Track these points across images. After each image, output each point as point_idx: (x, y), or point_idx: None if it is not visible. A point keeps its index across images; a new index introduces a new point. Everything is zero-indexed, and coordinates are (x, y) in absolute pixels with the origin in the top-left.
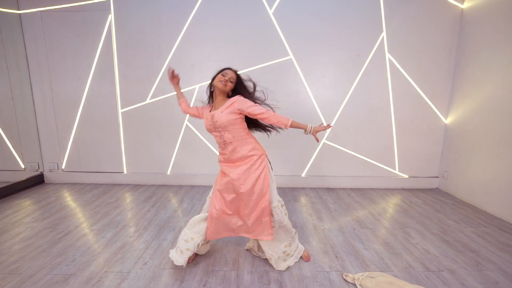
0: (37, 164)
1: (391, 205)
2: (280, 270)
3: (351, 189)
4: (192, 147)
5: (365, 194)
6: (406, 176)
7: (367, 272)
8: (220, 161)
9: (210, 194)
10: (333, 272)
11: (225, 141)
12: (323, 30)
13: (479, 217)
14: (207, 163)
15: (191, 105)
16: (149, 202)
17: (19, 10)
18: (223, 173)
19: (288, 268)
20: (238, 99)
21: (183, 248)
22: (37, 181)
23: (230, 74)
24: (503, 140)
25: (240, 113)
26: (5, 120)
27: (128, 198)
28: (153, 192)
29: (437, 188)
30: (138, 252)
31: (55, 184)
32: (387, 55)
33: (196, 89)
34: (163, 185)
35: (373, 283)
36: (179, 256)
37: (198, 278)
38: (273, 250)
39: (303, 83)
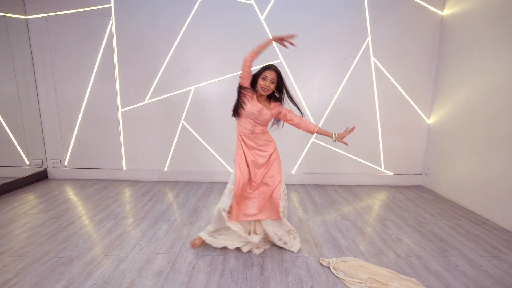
0: (41, 160)
1: (375, 201)
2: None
3: (339, 185)
4: (188, 145)
5: (352, 190)
6: (391, 174)
7: (342, 258)
8: (243, 139)
9: (228, 187)
10: (311, 257)
11: (254, 131)
12: (312, 35)
13: (454, 211)
14: (202, 160)
15: (186, 106)
16: (147, 196)
17: (26, 15)
18: (244, 156)
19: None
20: (283, 109)
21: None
22: (41, 176)
23: (270, 76)
24: (479, 139)
25: (277, 117)
26: (11, 119)
27: (127, 193)
28: (150, 187)
29: (420, 185)
30: (135, 239)
31: (58, 180)
32: (372, 58)
33: (192, 91)
34: (160, 181)
35: (346, 266)
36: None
37: (188, 261)
38: (275, 232)
39: (293, 85)
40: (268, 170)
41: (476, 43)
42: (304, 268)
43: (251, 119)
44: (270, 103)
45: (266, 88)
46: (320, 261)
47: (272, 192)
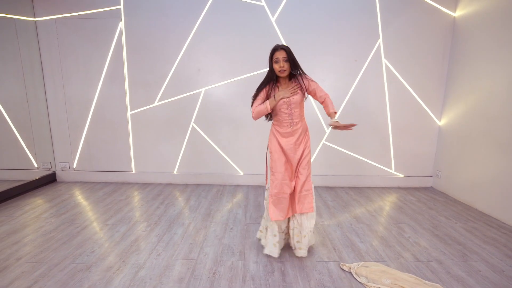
0: (49, 163)
1: (387, 203)
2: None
3: (349, 187)
4: (198, 148)
5: (363, 192)
6: (402, 176)
7: (362, 262)
8: (277, 136)
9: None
10: (331, 262)
11: (292, 118)
12: (323, 37)
13: (468, 213)
14: (212, 163)
15: (196, 108)
16: (158, 200)
17: (35, 17)
18: (280, 149)
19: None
20: (312, 82)
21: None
22: (50, 179)
23: (281, 56)
24: (491, 141)
25: (305, 92)
26: (20, 122)
27: (137, 196)
28: (160, 191)
29: (431, 187)
30: (151, 244)
31: (67, 183)
32: (384, 60)
33: (202, 93)
34: (170, 184)
35: (367, 271)
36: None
37: (208, 267)
38: (309, 228)
39: None
40: (302, 161)
41: (490, 45)
42: (325, 273)
43: (284, 106)
44: (293, 82)
45: (283, 69)
46: (341, 266)
47: (304, 183)
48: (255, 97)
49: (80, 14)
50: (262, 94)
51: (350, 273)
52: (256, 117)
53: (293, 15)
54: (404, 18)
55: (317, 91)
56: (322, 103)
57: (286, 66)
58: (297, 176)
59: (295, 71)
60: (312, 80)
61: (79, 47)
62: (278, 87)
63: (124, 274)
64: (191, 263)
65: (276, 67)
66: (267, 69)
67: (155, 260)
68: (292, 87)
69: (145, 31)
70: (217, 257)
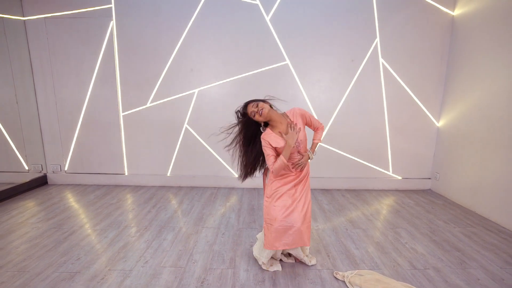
0: (40, 165)
1: (384, 206)
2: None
3: (346, 190)
4: (192, 149)
5: (359, 195)
6: (400, 178)
7: (356, 270)
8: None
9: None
10: (324, 270)
11: (298, 156)
12: (319, 36)
13: (467, 217)
14: (206, 165)
15: (189, 110)
16: (150, 203)
17: (23, 17)
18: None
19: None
20: (296, 110)
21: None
22: (41, 182)
23: (256, 109)
24: (491, 143)
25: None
26: (10, 123)
27: (129, 199)
28: (153, 193)
29: (429, 189)
30: (139, 251)
31: (58, 185)
32: (381, 60)
33: (195, 93)
34: (163, 186)
35: (362, 280)
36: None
37: (196, 275)
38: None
39: (299, 87)
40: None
41: (489, 44)
42: (318, 282)
43: (293, 153)
44: (286, 119)
45: (262, 110)
46: (334, 275)
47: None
48: (257, 158)
49: (70, 13)
50: (269, 151)
51: (344, 282)
52: (277, 175)
53: (288, 14)
54: (402, 17)
55: (312, 120)
56: (315, 129)
57: (261, 105)
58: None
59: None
60: (300, 111)
61: (69, 47)
62: (280, 132)
63: (109, 284)
64: (179, 271)
65: (257, 117)
66: (260, 69)
67: (142, 268)
68: (289, 124)
69: (137, 31)
70: (206, 264)
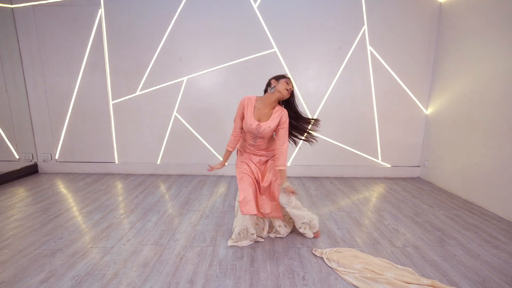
0: (31, 154)
1: (371, 193)
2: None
3: (335, 178)
4: (181, 138)
5: (348, 182)
6: (389, 166)
7: (335, 248)
8: (241, 152)
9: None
10: (304, 248)
11: (255, 144)
12: (306, 24)
13: (452, 201)
14: (195, 153)
15: (178, 98)
16: (138, 189)
17: (11, 4)
18: (244, 162)
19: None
20: (285, 113)
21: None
22: (31, 171)
23: (291, 85)
24: (478, 129)
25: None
26: None
27: (118, 186)
28: (143, 180)
29: (418, 177)
30: (122, 231)
31: (49, 174)
32: (369, 47)
33: (184, 82)
34: (153, 174)
35: (340, 256)
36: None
37: (176, 252)
38: (298, 222)
39: (287, 75)
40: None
41: (475, 30)
42: (296, 258)
43: (250, 133)
44: (273, 109)
45: (289, 90)
46: (313, 252)
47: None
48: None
49: (58, 1)
50: (239, 112)
51: (322, 258)
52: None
53: (276, 2)
54: (389, 4)
55: (283, 132)
56: (277, 146)
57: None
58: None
59: (294, 103)
60: (286, 119)
61: (58, 35)
62: (255, 107)
63: (89, 259)
64: (160, 248)
65: (285, 84)
66: (249, 57)
67: (123, 245)
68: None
69: (126, 19)
70: (187, 243)
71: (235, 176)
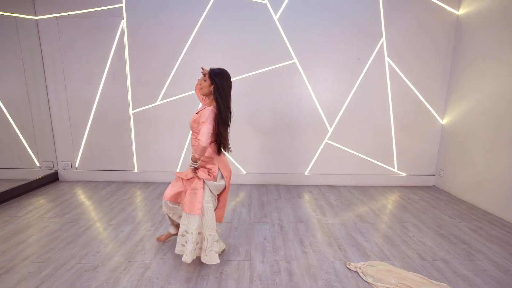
0: (51, 162)
1: (390, 202)
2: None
3: (352, 186)
4: None
5: (365, 191)
6: (404, 174)
7: (368, 262)
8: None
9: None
10: (337, 262)
11: (194, 141)
12: (326, 36)
13: (472, 212)
14: None
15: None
16: (161, 199)
17: (36, 16)
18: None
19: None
20: (205, 110)
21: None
22: (52, 179)
23: (202, 78)
24: (495, 140)
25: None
26: (21, 121)
27: (140, 195)
28: (163, 189)
29: (433, 185)
30: (157, 244)
31: (69, 182)
32: (387, 59)
33: None
34: None
35: (374, 270)
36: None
37: (214, 267)
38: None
39: (306, 85)
40: None
41: (493, 43)
42: (332, 273)
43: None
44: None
45: (201, 85)
46: (347, 266)
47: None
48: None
49: (81, 13)
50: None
51: (357, 272)
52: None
53: (296, 14)
54: (407, 16)
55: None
56: (195, 140)
57: (204, 84)
58: None
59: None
60: (209, 119)
61: (80, 46)
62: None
63: (131, 274)
64: (198, 263)
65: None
66: (268, 68)
67: (161, 260)
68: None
69: (147, 30)
70: (223, 256)
71: (254, 185)
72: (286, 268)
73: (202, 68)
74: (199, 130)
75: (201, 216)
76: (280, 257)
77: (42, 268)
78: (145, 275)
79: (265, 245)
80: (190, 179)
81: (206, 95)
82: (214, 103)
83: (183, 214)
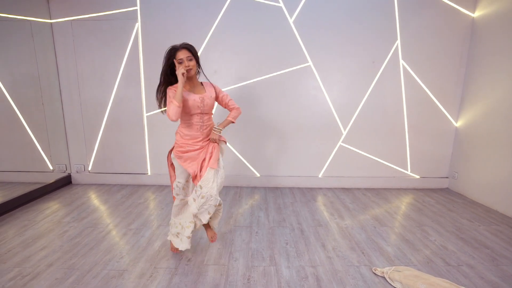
0: (64, 165)
1: (405, 204)
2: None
3: (366, 189)
4: None
5: (380, 194)
6: (418, 177)
7: (394, 267)
8: (183, 148)
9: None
10: (362, 267)
11: (203, 123)
12: (341, 38)
13: (490, 215)
14: (229, 164)
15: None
16: None
17: (50, 19)
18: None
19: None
20: (215, 86)
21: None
22: (65, 182)
23: (184, 56)
24: (510, 143)
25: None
26: (35, 124)
27: (155, 199)
28: None
29: (447, 188)
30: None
31: (82, 185)
32: (401, 61)
33: None
34: None
35: (401, 276)
36: (180, 242)
37: (241, 273)
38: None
39: (321, 88)
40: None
41: (508, 45)
42: (359, 278)
43: (197, 113)
44: (201, 85)
45: (189, 68)
46: (374, 271)
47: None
48: (162, 99)
49: (96, 16)
50: (171, 94)
51: (383, 277)
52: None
53: (311, 17)
54: (423, 19)
55: (228, 100)
56: (227, 104)
57: (192, 64)
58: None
59: (199, 69)
60: (220, 89)
61: (95, 49)
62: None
63: (159, 281)
64: (223, 268)
65: (179, 67)
66: (283, 71)
67: (186, 266)
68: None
69: (162, 32)
70: (248, 262)
71: (268, 187)
72: (313, 273)
73: (175, 60)
74: (212, 107)
75: (217, 170)
76: (305, 262)
77: (68, 275)
78: (172, 281)
79: (288, 250)
80: (202, 147)
81: (193, 74)
82: (195, 77)
83: (205, 174)
